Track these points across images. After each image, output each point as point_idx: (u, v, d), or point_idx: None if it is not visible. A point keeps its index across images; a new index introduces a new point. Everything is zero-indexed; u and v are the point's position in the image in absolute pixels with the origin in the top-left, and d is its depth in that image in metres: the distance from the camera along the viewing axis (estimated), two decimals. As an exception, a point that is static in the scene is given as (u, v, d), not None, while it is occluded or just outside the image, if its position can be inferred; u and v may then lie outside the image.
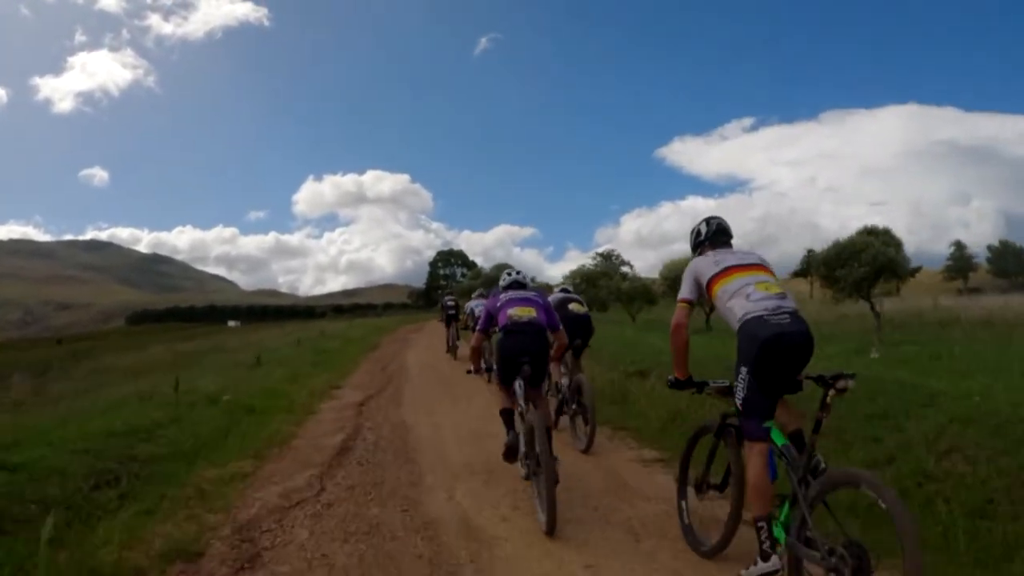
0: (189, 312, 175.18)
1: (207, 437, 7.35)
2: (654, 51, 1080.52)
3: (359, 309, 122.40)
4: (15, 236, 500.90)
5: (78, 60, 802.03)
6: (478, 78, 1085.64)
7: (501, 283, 5.78)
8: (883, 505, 2.72)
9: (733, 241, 3.98)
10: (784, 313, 3.33)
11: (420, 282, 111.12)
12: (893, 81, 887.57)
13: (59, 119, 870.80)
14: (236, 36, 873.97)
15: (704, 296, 3.76)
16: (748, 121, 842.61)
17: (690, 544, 4.03)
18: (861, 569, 2.72)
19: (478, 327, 5.70)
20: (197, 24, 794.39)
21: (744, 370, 3.36)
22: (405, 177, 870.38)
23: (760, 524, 3.25)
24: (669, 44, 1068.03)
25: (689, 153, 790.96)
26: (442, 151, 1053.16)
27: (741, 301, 3.43)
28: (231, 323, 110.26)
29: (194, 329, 74.12)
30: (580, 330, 7.76)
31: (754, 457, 3.34)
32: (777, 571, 3.18)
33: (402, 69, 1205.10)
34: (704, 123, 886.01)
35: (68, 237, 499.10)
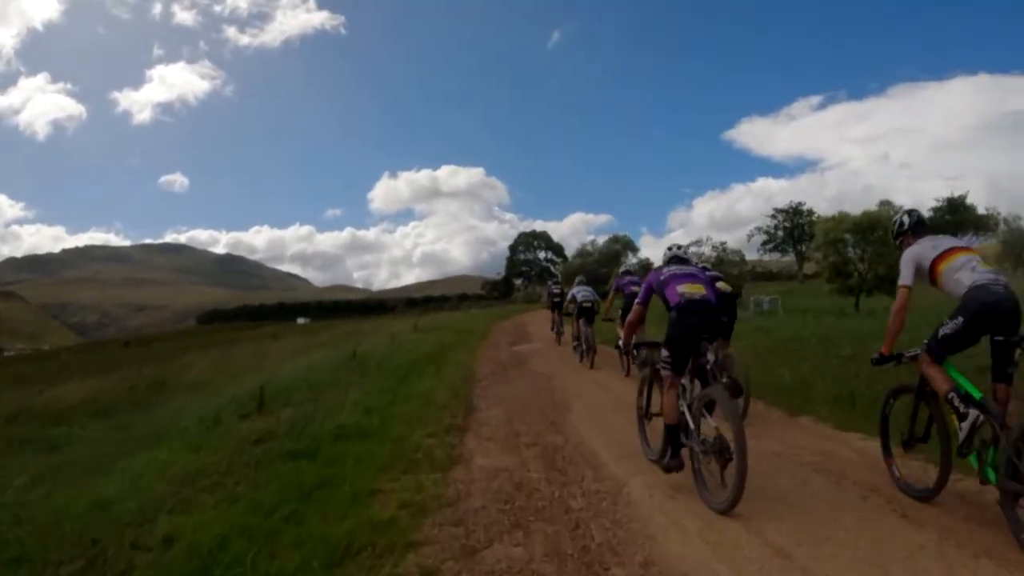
0: (259, 310, 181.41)
1: None
2: (715, 34, 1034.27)
3: (432, 302, 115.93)
4: (96, 243, 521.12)
5: (156, 73, 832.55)
6: (551, 71, 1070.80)
7: (664, 257, 5.58)
8: None
9: None
10: (1001, 285, 4.02)
11: (496, 274, 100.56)
12: (961, 51, 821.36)
13: (139, 129, 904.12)
14: (312, 43, 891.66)
15: (924, 277, 4.32)
16: (815, 99, 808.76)
17: (905, 491, 4.35)
18: None
19: (639, 301, 5.44)
20: (274, 34, 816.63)
21: (960, 319, 3.99)
22: (480, 170, 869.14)
23: (950, 396, 3.93)
24: (729, 26, 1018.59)
25: (757, 134, 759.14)
26: (516, 144, 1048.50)
27: (968, 273, 4.08)
28: (300, 320, 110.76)
29: (240, 333, 66.95)
30: (728, 308, 7.62)
31: (931, 368, 4.11)
32: (979, 417, 3.77)
33: (476, 67, 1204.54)
34: (770, 103, 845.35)
35: (146, 241, 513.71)
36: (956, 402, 3.89)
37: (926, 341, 4.17)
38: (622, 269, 12.99)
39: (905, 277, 4.31)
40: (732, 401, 4.55)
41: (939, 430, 4.20)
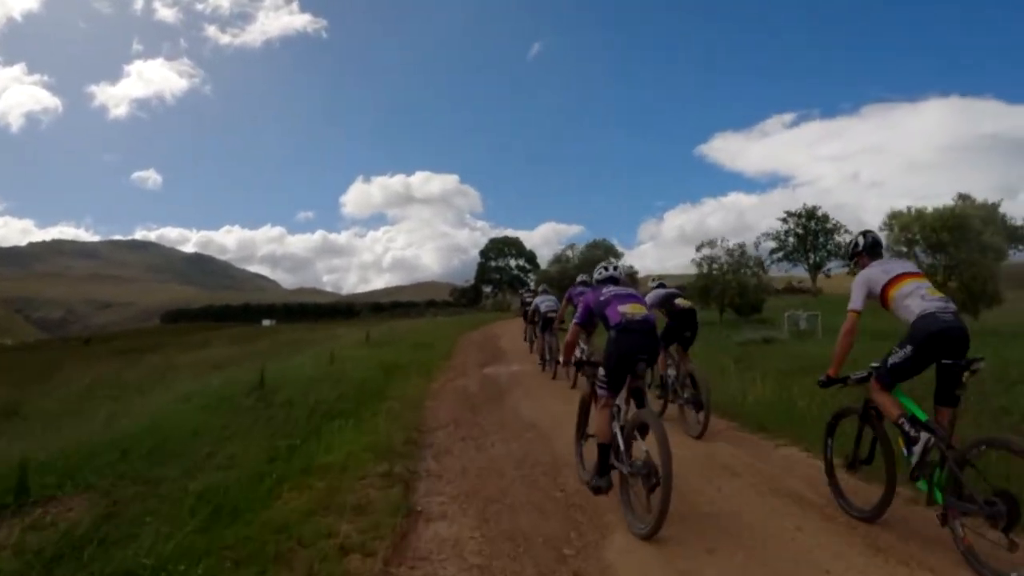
0: (224, 310, 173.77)
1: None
2: (691, 49, 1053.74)
3: (400, 307, 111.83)
4: (65, 237, 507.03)
5: (134, 68, 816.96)
6: (530, 82, 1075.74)
7: (596, 276, 5.38)
8: None
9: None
10: (949, 312, 3.96)
11: (465, 281, 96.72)
12: (934, 73, 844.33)
13: (114, 124, 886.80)
14: (294, 45, 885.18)
15: (876, 300, 4.25)
16: (788, 117, 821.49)
17: (848, 511, 4.35)
18: (1014, 514, 3.28)
19: (576, 320, 5.31)
20: (255, 35, 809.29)
21: (909, 347, 3.95)
22: (454, 177, 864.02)
23: (900, 421, 3.93)
24: (705, 42, 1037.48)
25: (730, 150, 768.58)
26: (491, 153, 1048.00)
27: (917, 300, 4.02)
28: (265, 322, 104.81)
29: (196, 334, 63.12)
30: (689, 324, 7.65)
31: (881, 395, 4.09)
32: (930, 440, 3.80)
33: (455, 76, 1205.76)
34: (744, 119, 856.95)
35: (116, 237, 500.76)
36: (907, 427, 3.90)
37: (875, 364, 4.17)
38: (579, 279, 12.28)
39: (855, 301, 4.29)
40: (663, 426, 4.23)
41: (884, 452, 4.22)
